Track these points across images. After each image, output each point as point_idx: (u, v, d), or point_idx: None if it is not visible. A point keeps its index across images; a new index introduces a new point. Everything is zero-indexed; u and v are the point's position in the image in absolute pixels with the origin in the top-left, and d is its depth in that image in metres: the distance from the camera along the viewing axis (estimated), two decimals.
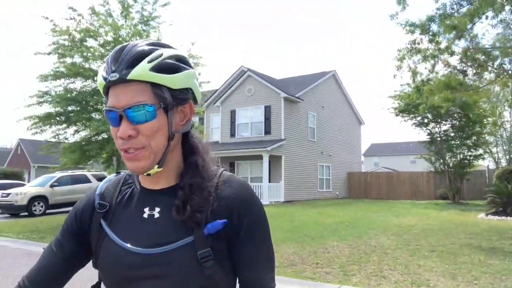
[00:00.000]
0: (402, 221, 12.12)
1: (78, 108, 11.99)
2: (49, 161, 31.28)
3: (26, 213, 15.61)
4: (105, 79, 0.87)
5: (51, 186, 16.59)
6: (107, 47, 12.67)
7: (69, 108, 12.07)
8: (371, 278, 5.66)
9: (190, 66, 0.94)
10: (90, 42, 12.79)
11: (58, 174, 17.56)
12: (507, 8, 8.62)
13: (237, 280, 0.97)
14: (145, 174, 0.92)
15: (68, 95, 11.97)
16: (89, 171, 18.53)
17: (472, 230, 9.93)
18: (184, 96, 0.93)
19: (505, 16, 8.89)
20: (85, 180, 18.10)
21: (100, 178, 18.83)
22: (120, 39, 12.69)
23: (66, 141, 12.90)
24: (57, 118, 12.38)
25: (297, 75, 27.85)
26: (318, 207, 17.98)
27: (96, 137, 11.78)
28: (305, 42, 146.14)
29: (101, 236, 0.97)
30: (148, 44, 0.90)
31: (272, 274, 0.98)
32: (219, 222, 0.89)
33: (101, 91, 0.92)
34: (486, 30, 18.00)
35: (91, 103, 12.21)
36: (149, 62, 0.86)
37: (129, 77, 0.85)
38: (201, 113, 20.98)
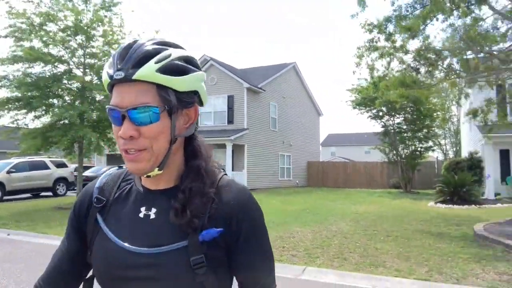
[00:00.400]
0: (359, 209, 12.89)
1: (39, 94, 11.70)
2: (7, 146, 29.89)
3: None
4: (110, 76, 0.86)
5: (8, 172, 16.08)
6: (67, 32, 12.40)
7: (29, 94, 11.76)
8: (334, 260, 6.16)
9: (199, 68, 0.92)
10: (50, 27, 12.46)
11: (15, 160, 17.01)
12: (455, 13, 9.34)
13: (238, 285, 0.97)
14: (145, 176, 0.91)
15: (28, 80, 11.66)
16: (49, 158, 18.05)
17: (422, 217, 10.80)
18: (190, 99, 0.91)
19: (453, 21, 9.64)
20: (44, 166, 17.69)
21: (59, 165, 18.43)
22: (81, 24, 12.45)
23: (25, 126, 12.57)
24: (16, 103, 12.05)
25: (258, 65, 28.15)
26: (280, 195, 18.59)
27: (59, 123, 11.57)
28: (295, 41, 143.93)
29: (95, 231, 0.96)
30: (157, 43, 0.88)
31: (272, 276, 0.98)
32: (215, 230, 0.88)
33: (105, 87, 0.91)
34: (437, 32, 19.09)
35: (53, 89, 11.96)
36: (156, 62, 0.84)
37: (135, 77, 0.83)
38: None
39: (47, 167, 17.76)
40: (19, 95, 11.94)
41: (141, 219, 0.93)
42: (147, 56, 0.83)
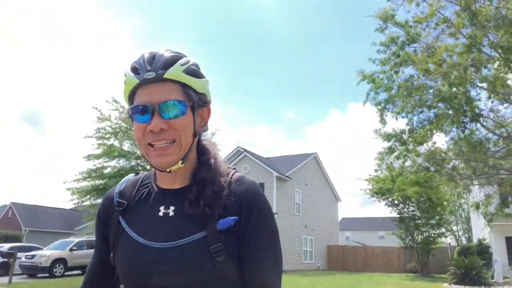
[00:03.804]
0: None
1: None
2: (39, 225, 32.40)
3: (46, 275, 17.03)
4: (139, 77, 0.94)
5: (71, 250, 18.30)
6: None
7: (113, 183, 14.64)
8: None
9: None
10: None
11: (75, 239, 19.36)
12: (454, 129, 12.19)
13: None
14: (167, 170, 0.97)
15: (117, 173, 14.64)
16: None
17: None
18: (205, 99, 1.03)
19: (454, 135, 12.43)
20: None
21: None
22: None
23: None
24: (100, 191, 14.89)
25: (282, 155, 31.26)
26: (307, 276, 20.34)
27: None
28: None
29: (118, 232, 1.03)
30: (175, 52, 1.00)
31: (277, 277, 1.01)
32: (230, 219, 0.94)
33: (127, 92, 0.99)
34: (445, 141, 21.73)
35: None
36: (181, 65, 0.96)
37: (166, 75, 0.94)
38: None
39: None
40: (101, 183, 14.78)
41: (161, 217, 0.99)
42: (173, 60, 0.96)
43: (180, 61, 0.96)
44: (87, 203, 15.29)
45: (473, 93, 11.98)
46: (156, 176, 1.08)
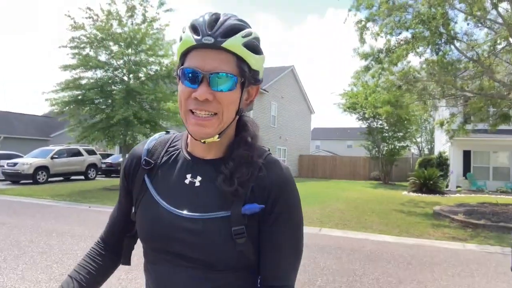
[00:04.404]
0: (348, 195, 16.25)
1: (102, 95, 14.65)
2: (14, 132, 32.20)
3: (30, 181, 17.71)
4: (197, 40, 0.89)
5: (52, 157, 18.79)
6: (122, 46, 15.20)
7: (93, 95, 14.66)
8: (338, 225, 9.36)
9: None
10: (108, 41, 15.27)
11: (55, 147, 19.73)
12: (428, 50, 12.57)
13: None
14: (202, 140, 0.94)
15: (95, 84, 14.61)
16: (81, 146, 20.61)
17: (397, 201, 14.21)
18: (257, 77, 0.97)
19: (428, 57, 12.85)
20: (79, 153, 20.39)
21: (89, 151, 21.10)
22: (125, 36, 15.23)
23: (84, 121, 15.43)
24: (86, 102, 14.99)
25: None
26: None
27: (121, 121, 14.37)
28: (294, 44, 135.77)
29: (142, 191, 1.02)
30: (239, 20, 0.94)
31: (294, 268, 0.99)
32: (256, 206, 0.92)
33: (181, 51, 0.94)
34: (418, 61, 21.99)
35: (111, 91, 14.89)
36: (243, 37, 0.90)
37: (224, 45, 0.88)
38: None
39: (81, 154, 20.45)
40: (79, 94, 14.80)
41: (187, 185, 0.98)
42: (235, 29, 0.90)
43: (242, 32, 0.91)
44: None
45: (451, 14, 12.21)
46: (187, 141, 1.05)
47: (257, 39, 0.95)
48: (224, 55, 0.89)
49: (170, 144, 1.08)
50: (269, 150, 1.05)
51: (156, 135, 1.13)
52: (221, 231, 0.91)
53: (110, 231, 1.18)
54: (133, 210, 1.07)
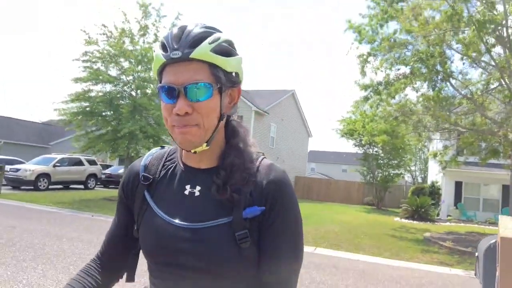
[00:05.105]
0: (342, 217, 16.71)
1: (111, 108, 15.20)
2: (14, 137, 32.53)
3: (31, 187, 17.96)
4: (166, 56, 0.90)
5: (54, 165, 19.15)
6: (133, 62, 15.84)
7: (102, 108, 15.20)
8: (333, 245, 9.82)
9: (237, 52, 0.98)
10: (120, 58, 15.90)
11: (58, 156, 20.12)
12: (425, 85, 13.28)
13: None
14: (192, 151, 0.95)
15: (104, 97, 15.16)
16: (83, 155, 20.87)
17: (390, 226, 14.70)
18: (235, 79, 0.98)
19: (424, 92, 13.55)
20: (80, 163, 20.71)
21: (90, 161, 21.47)
22: (136, 54, 15.87)
23: (91, 132, 15.92)
24: (96, 115, 15.52)
25: (261, 89, 31.97)
26: None
27: (126, 134, 14.86)
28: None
29: (143, 207, 1.03)
30: (205, 27, 0.94)
31: (293, 269, 0.97)
32: (257, 208, 0.93)
33: (156, 69, 0.95)
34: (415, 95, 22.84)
35: (119, 105, 15.43)
36: (210, 43, 0.90)
37: (192, 55, 0.88)
38: None
39: (82, 164, 20.76)
40: (98, 108, 15.34)
41: (187, 196, 0.99)
42: (201, 38, 0.90)
43: (209, 39, 0.91)
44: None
45: (448, 53, 12.98)
46: (182, 152, 1.06)
47: (227, 41, 0.96)
48: (195, 65, 0.90)
49: (166, 158, 1.10)
50: (263, 154, 1.06)
51: (152, 150, 1.16)
52: (225, 237, 0.92)
53: (107, 249, 1.16)
54: (135, 227, 1.06)
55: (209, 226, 0.93)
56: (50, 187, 18.92)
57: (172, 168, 1.06)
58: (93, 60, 15.68)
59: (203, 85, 0.89)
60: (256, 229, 0.94)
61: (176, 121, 0.91)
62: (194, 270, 0.93)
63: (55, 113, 15.80)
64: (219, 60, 0.92)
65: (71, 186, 20.89)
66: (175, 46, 0.90)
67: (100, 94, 15.90)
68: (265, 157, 1.04)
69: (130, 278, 1.14)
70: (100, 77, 15.25)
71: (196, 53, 0.89)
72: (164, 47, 0.92)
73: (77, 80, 15.38)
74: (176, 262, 0.94)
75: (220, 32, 0.97)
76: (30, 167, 18.37)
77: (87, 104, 15.58)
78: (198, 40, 0.90)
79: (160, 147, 1.16)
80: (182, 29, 0.93)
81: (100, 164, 23.67)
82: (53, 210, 12.36)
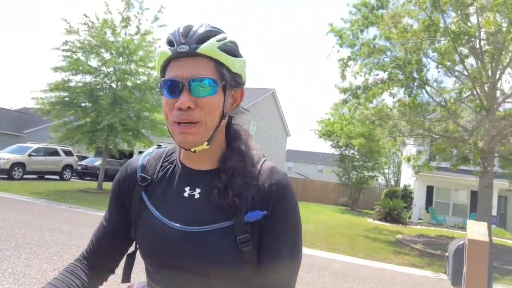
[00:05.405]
0: (318, 217, 17.08)
1: (92, 99, 15.07)
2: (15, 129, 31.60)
3: (5, 176, 17.49)
4: (172, 50, 0.90)
5: (29, 155, 18.73)
6: (114, 54, 15.71)
7: (81, 98, 15.04)
8: (308, 245, 10.05)
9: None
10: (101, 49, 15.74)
11: (34, 145, 19.72)
12: (402, 91, 13.73)
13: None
14: (192, 150, 0.93)
15: (84, 88, 15.00)
16: (59, 146, 20.41)
17: (363, 227, 15.14)
18: (240, 80, 0.97)
19: (401, 97, 14.00)
20: (56, 153, 20.34)
21: (66, 152, 21.12)
22: (118, 45, 15.76)
23: (69, 122, 15.73)
24: (75, 105, 15.34)
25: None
26: None
27: (106, 127, 14.73)
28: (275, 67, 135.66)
29: (141, 208, 1.00)
30: (212, 27, 0.94)
31: (292, 273, 0.97)
32: (259, 213, 0.92)
33: (159, 64, 0.95)
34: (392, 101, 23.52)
35: (100, 97, 15.31)
36: (217, 41, 0.91)
37: (199, 50, 0.89)
38: None
39: (58, 154, 20.40)
40: (66, 96, 15.13)
41: (186, 198, 0.97)
42: (209, 35, 0.91)
43: (217, 37, 0.92)
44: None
45: (424, 61, 13.46)
46: (181, 153, 1.04)
47: (233, 43, 0.96)
48: (202, 61, 0.90)
49: (164, 158, 1.07)
50: (264, 156, 1.05)
51: (150, 149, 1.12)
52: (226, 241, 0.91)
53: (95, 248, 1.11)
54: (132, 229, 1.04)
55: (210, 229, 0.92)
56: (24, 176, 18.55)
57: (171, 169, 1.04)
58: (73, 50, 15.47)
59: (208, 81, 0.89)
60: (257, 233, 0.93)
61: (177, 116, 0.90)
62: (194, 273, 0.92)
63: (32, 102, 15.51)
64: (225, 59, 0.93)
65: (46, 176, 20.53)
66: (183, 41, 0.90)
67: (80, 84, 15.73)
68: (266, 159, 1.03)
69: (126, 279, 1.11)
70: (80, 67, 15.08)
71: (203, 49, 0.90)
72: (170, 43, 0.92)
73: (56, 69, 15.16)
74: (176, 265, 0.93)
75: (225, 33, 0.97)
76: (4, 156, 17.91)
77: (66, 94, 15.38)
78: (205, 37, 0.91)
79: (157, 146, 1.14)
80: (189, 27, 0.93)
81: (76, 155, 23.32)
82: (29, 200, 12.19)
